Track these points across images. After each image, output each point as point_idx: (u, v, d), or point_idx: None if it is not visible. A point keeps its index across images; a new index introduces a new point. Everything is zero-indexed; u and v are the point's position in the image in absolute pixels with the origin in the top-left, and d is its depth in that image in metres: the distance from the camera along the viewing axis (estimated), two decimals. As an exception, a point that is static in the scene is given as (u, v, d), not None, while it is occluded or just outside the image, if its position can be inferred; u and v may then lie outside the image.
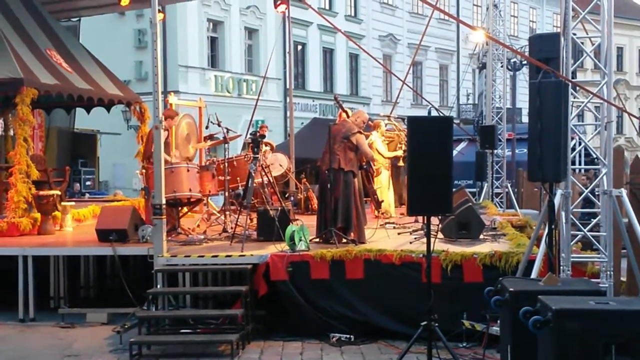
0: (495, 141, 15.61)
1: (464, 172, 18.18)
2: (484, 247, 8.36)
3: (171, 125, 10.14)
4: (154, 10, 8.53)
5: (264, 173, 10.29)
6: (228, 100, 24.33)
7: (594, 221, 7.29)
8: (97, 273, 10.35)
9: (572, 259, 6.90)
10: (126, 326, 7.98)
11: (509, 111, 18.37)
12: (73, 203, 12.30)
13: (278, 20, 23.18)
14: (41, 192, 10.72)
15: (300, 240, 8.41)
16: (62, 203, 11.35)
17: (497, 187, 16.18)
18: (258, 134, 10.13)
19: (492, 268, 7.70)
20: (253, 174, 9.51)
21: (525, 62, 17.59)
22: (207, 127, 11.68)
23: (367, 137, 10.64)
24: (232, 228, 9.71)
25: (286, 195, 13.15)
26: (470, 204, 10.25)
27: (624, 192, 7.28)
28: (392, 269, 7.95)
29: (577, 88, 7.49)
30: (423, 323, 6.23)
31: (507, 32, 21.03)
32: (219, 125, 10.78)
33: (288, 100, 17.95)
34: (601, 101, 7.14)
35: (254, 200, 10.53)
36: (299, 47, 28.33)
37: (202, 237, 9.61)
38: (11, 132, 12.69)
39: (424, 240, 6.83)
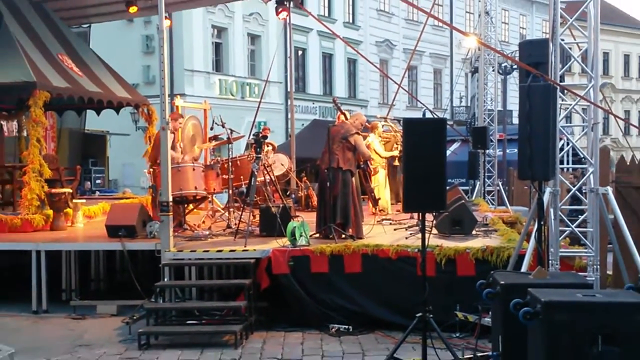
0: (487, 141, 15.79)
1: (457, 171, 18.53)
2: (477, 242, 8.46)
3: (176, 127, 10.18)
4: (161, 17, 8.73)
5: (266, 172, 10.41)
6: (232, 103, 24.48)
7: (582, 218, 7.31)
8: (106, 267, 10.43)
9: (560, 254, 6.97)
10: (135, 317, 8.10)
11: (500, 113, 18.33)
12: (84, 200, 12.44)
13: (279, 27, 23.39)
14: (53, 190, 10.86)
15: (301, 235, 8.52)
16: (74, 200, 11.48)
17: (488, 185, 16.30)
18: (260, 135, 10.18)
19: (484, 262, 7.81)
20: (256, 173, 9.61)
21: (515, 66, 17.61)
22: (211, 128, 11.92)
23: (365, 138, 10.68)
24: (235, 224, 9.92)
25: (287, 193, 13.26)
26: (463, 201, 10.34)
27: (609, 190, 7.32)
28: (388, 263, 8.07)
29: (565, 91, 7.60)
30: (418, 314, 6.29)
31: (498, 38, 21.02)
32: (223, 126, 10.98)
33: (289, 102, 18.15)
34: (588, 104, 7.22)
35: (257, 197, 10.61)
36: (300, 52, 28.45)
37: (207, 232, 9.72)
38: (25, 133, 12.96)
39: (419, 235, 6.88)
